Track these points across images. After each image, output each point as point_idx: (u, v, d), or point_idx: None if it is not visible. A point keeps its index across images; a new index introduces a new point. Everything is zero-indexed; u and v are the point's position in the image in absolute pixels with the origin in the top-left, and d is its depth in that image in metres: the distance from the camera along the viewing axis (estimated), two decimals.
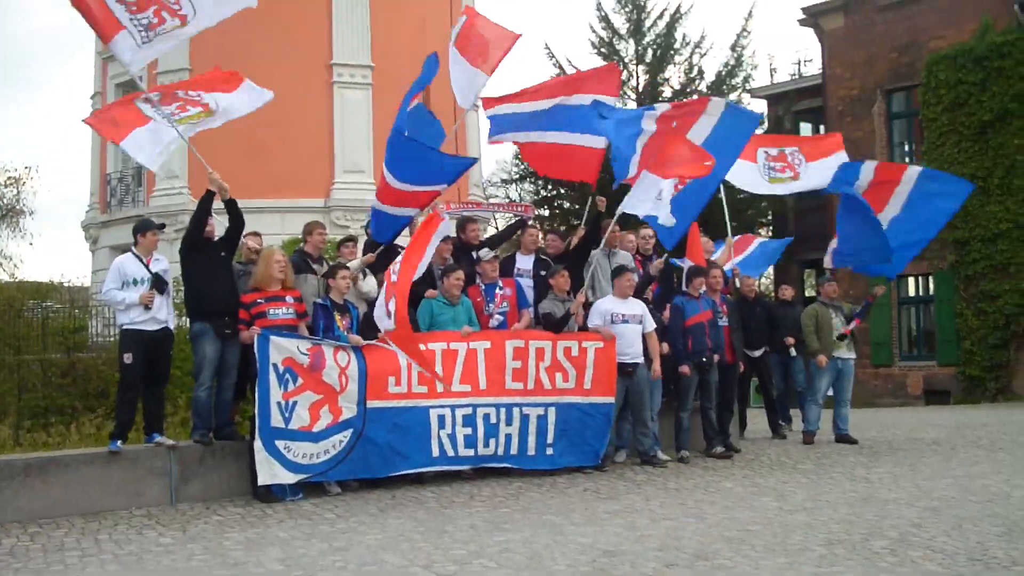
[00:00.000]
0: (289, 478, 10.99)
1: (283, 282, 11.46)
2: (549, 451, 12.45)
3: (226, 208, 11.64)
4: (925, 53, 28.19)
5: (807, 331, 15.16)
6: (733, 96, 34.17)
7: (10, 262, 37.57)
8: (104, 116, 12.73)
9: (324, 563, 8.12)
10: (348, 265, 12.30)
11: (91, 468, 10.59)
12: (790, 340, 15.79)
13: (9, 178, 36.29)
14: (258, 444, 10.88)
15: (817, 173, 15.57)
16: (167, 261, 11.60)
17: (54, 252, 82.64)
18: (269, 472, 10.89)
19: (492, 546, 8.60)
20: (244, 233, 12.08)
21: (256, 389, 11.01)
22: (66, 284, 23.59)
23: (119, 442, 10.82)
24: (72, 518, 10.06)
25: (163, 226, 11.92)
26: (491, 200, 36.40)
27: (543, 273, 13.40)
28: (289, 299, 11.45)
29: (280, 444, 10.96)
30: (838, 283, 16.61)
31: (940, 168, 26.71)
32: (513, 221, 15.68)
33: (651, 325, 13.11)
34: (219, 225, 11.83)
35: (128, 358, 11.03)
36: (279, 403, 11.04)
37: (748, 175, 15.50)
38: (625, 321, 12.88)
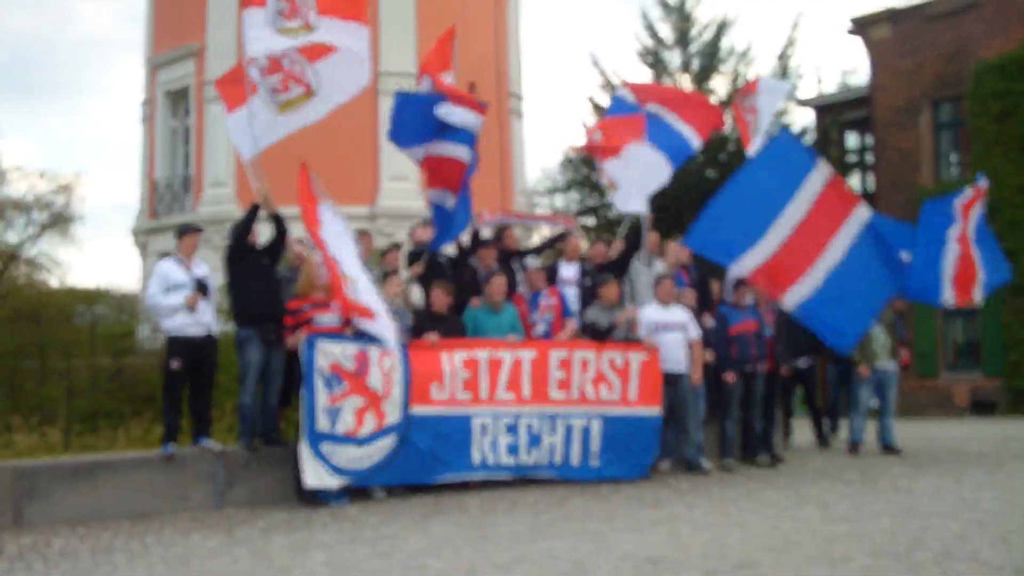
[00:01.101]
0: (334, 482, 11.07)
1: (327, 289, 11.52)
2: (594, 462, 12.45)
3: (272, 221, 11.72)
4: (973, 62, 27.97)
5: None
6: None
7: (60, 268, 37.89)
8: (228, 80, 12.48)
9: (368, 568, 8.17)
10: (399, 273, 12.39)
11: (139, 471, 10.72)
12: None
13: (59, 185, 36.63)
14: (304, 447, 10.97)
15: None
16: (208, 267, 11.72)
17: (103, 258, 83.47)
18: (315, 475, 10.97)
19: (535, 553, 8.61)
20: (292, 239, 12.20)
21: (302, 393, 11.10)
22: (115, 290, 23.88)
23: (171, 446, 10.97)
24: (120, 520, 10.20)
25: (201, 229, 12.00)
26: (536, 209, 36.38)
27: (588, 284, 13.42)
28: (334, 305, 11.52)
29: (325, 448, 11.04)
30: None
31: (989, 178, 26.65)
32: (555, 233, 15.72)
33: (695, 332, 13.08)
34: (261, 232, 11.92)
35: (176, 364, 11.15)
36: (325, 408, 11.13)
37: None
38: (668, 330, 12.88)
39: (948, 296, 14.79)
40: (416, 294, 12.61)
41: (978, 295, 14.92)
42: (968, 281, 14.85)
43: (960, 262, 14.73)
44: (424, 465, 11.64)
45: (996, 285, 15.51)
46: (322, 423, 11.08)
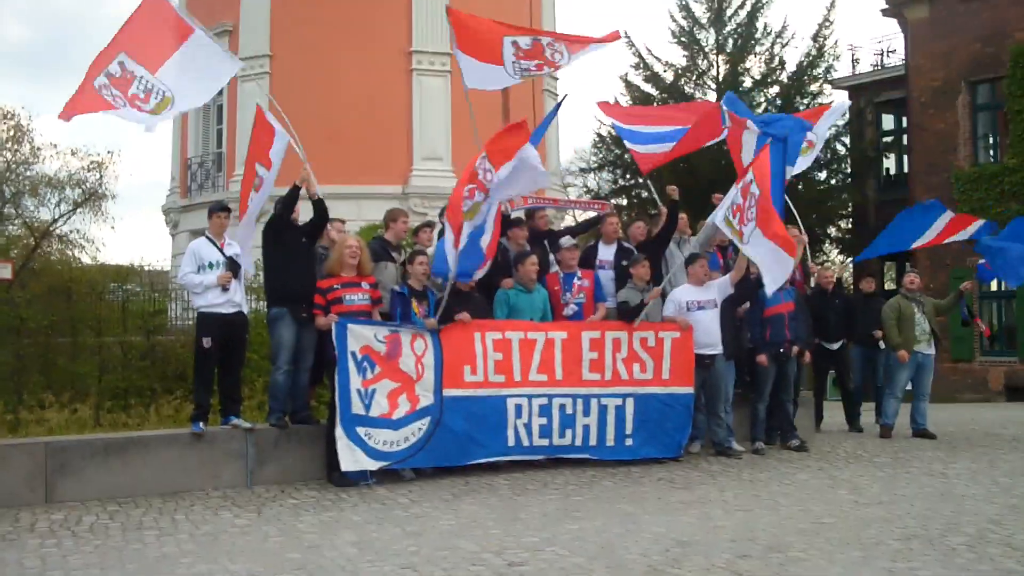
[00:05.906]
0: (371, 464, 11.04)
1: (358, 268, 11.48)
2: (628, 442, 12.39)
3: (313, 206, 11.67)
4: (1010, 44, 27.71)
5: (888, 324, 14.90)
6: (814, 87, 33.89)
7: (92, 245, 38.00)
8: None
9: (397, 547, 8.17)
10: (427, 251, 12.33)
11: (169, 449, 10.74)
12: (879, 333, 15.46)
13: (92, 162, 36.67)
14: (339, 431, 10.93)
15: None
16: (239, 246, 11.69)
17: (135, 236, 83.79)
18: (351, 459, 10.95)
19: (564, 534, 8.59)
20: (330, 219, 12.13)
21: (336, 377, 11.06)
22: (146, 268, 23.98)
23: (201, 424, 10.97)
24: (150, 497, 10.22)
25: (229, 209, 11.95)
26: (568, 189, 36.30)
27: (624, 263, 13.31)
28: (365, 285, 11.48)
29: (361, 431, 11.02)
30: (920, 276, 16.28)
31: None
32: (591, 217, 15.61)
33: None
34: (303, 209, 11.86)
35: (207, 342, 11.14)
36: (359, 391, 11.10)
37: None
38: (701, 308, 12.77)
39: None
40: None
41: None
42: None
43: None
44: (460, 447, 11.62)
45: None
46: (356, 406, 11.06)
